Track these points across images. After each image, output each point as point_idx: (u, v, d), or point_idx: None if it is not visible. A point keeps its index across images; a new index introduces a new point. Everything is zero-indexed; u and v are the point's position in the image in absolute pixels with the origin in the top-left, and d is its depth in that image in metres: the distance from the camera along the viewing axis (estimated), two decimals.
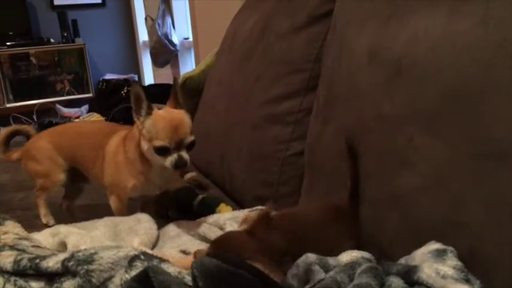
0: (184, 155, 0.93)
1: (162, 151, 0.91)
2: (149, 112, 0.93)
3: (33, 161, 1.13)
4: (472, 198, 0.65)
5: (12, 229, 0.87)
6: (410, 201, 0.74)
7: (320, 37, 1.11)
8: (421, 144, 0.74)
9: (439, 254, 0.61)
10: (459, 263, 0.60)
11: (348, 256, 0.68)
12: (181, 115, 0.96)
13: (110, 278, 0.63)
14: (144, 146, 0.94)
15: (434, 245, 0.64)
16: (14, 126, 1.19)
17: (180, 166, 0.93)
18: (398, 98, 0.79)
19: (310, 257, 0.65)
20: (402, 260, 0.67)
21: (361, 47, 0.90)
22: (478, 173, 0.64)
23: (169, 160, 0.91)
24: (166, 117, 0.94)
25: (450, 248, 0.62)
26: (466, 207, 0.65)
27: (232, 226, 0.98)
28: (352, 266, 0.63)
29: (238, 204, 1.22)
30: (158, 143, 0.90)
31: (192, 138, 0.94)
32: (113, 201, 1.04)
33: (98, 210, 1.04)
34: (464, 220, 0.65)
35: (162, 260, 0.67)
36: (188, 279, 0.61)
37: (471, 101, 0.67)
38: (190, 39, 3.16)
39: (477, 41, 0.67)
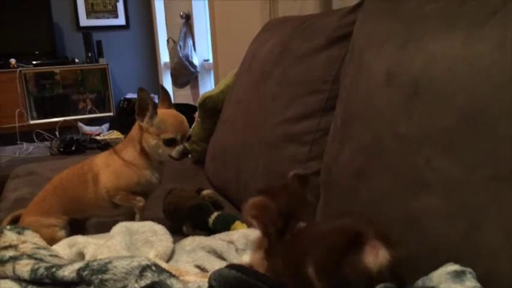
0: (187, 145, 1.09)
1: (171, 143, 1.06)
2: (155, 112, 1.06)
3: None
4: (490, 220, 0.64)
5: (31, 239, 0.89)
6: (427, 223, 0.73)
7: (338, 59, 1.13)
8: (438, 166, 0.73)
9: (458, 275, 0.60)
10: (478, 285, 0.58)
11: None
12: (179, 113, 1.12)
13: None
14: (151, 141, 1.06)
15: (452, 267, 0.63)
16: (12, 214, 1.20)
17: (184, 155, 1.08)
18: (416, 118, 0.79)
19: None
20: (419, 282, 0.66)
21: (379, 68, 0.91)
22: (496, 194, 0.64)
23: (176, 150, 1.07)
24: (172, 114, 1.10)
25: (469, 270, 0.61)
26: (484, 229, 0.64)
27: (246, 244, 0.98)
28: None
29: None
30: (168, 135, 1.05)
31: (190, 131, 1.12)
32: (119, 200, 1.09)
33: (109, 228, 1.03)
34: (482, 242, 0.64)
35: (171, 274, 0.67)
36: None
37: (488, 122, 0.67)
38: (210, 61, 3.22)
39: (494, 63, 0.68)
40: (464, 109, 0.70)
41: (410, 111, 0.80)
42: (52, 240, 1.00)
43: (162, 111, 1.09)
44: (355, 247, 0.60)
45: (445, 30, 0.79)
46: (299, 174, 0.85)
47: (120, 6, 4.36)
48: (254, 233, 1.02)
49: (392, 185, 0.82)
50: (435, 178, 0.73)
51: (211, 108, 1.72)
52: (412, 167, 0.78)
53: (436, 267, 0.66)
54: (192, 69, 3.40)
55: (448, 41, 0.77)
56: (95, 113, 4.11)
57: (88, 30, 4.15)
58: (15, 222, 1.19)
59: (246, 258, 0.92)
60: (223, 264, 0.86)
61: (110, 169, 1.09)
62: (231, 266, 0.59)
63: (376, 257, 0.59)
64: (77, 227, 1.12)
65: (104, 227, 1.05)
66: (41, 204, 1.13)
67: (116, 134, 3.42)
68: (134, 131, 1.10)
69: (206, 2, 3.06)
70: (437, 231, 0.71)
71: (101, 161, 1.10)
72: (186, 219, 1.16)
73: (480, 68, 0.69)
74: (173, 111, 1.12)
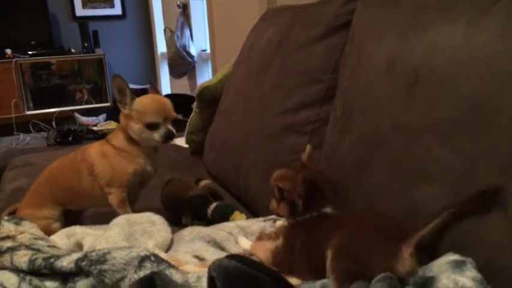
0: (171, 128, 1.05)
1: (152, 126, 1.03)
2: (133, 97, 1.05)
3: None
4: (492, 211, 0.64)
5: (29, 229, 0.88)
6: (428, 213, 0.73)
7: (338, 48, 1.12)
8: (439, 156, 0.73)
9: (458, 265, 0.60)
10: (478, 275, 0.58)
11: None
12: (163, 97, 1.09)
13: (122, 278, 0.64)
14: (134, 126, 1.04)
15: (452, 256, 0.62)
16: (8, 209, 1.20)
17: (168, 138, 1.04)
18: (416, 108, 0.78)
19: None
20: (419, 271, 0.66)
21: (379, 57, 0.90)
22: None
23: (159, 133, 1.03)
24: (152, 97, 1.08)
25: (469, 259, 0.61)
26: (485, 219, 0.64)
27: (245, 235, 0.98)
28: None
29: (253, 213, 1.21)
30: (149, 119, 1.03)
31: (175, 114, 1.06)
32: (114, 198, 1.07)
33: (105, 220, 1.02)
34: (483, 232, 0.64)
35: (170, 265, 0.67)
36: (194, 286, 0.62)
37: (490, 113, 0.66)
38: (208, 51, 3.20)
39: (496, 53, 0.67)
40: (465, 99, 0.70)
41: (411, 101, 0.79)
42: (47, 233, 0.99)
43: (143, 96, 1.07)
44: (394, 247, 0.62)
45: (446, 19, 0.78)
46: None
47: None
48: (256, 223, 1.02)
49: (393, 175, 0.82)
50: (436, 169, 0.73)
51: (209, 98, 1.71)
52: (413, 158, 0.77)
53: (436, 256, 0.66)
54: (190, 60, 3.38)
55: (449, 30, 0.76)
56: (92, 103, 4.09)
57: (84, 20, 4.11)
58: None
59: (247, 245, 0.93)
60: (223, 254, 0.86)
61: (105, 161, 1.07)
62: (231, 256, 0.59)
63: (411, 265, 0.61)
64: (72, 219, 1.11)
65: (100, 219, 1.04)
66: (33, 197, 1.12)
67: (113, 125, 3.41)
68: (121, 119, 1.09)
69: None
70: None
71: (94, 150, 1.09)
72: (184, 210, 1.16)
73: (482, 58, 0.68)
74: (154, 95, 1.11)
